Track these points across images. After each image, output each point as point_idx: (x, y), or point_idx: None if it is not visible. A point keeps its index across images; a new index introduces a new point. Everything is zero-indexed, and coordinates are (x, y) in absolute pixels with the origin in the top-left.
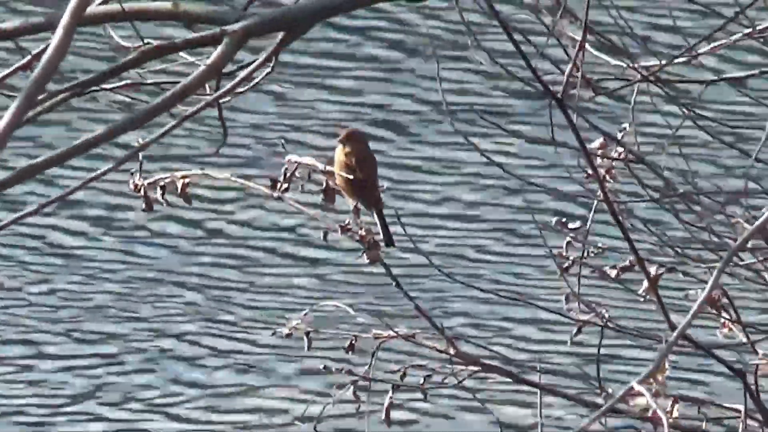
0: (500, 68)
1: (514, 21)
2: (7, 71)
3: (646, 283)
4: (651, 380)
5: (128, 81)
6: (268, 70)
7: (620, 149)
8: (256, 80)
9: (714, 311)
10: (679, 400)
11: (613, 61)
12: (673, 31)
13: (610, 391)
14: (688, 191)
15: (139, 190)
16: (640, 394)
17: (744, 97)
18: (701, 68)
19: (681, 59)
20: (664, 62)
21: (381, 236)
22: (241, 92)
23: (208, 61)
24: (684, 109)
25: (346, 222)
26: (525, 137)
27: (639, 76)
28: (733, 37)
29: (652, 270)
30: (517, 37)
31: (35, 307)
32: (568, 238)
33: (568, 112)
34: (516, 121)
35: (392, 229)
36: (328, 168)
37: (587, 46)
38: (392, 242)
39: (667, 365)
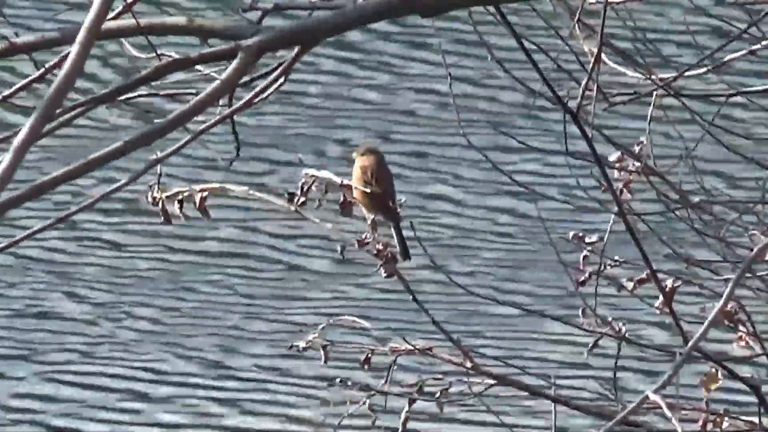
0: (516, 81)
1: (528, 34)
2: (20, 83)
3: (661, 297)
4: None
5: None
6: (281, 81)
7: (637, 163)
8: (268, 92)
9: (730, 324)
10: (708, 414)
11: (631, 73)
12: (689, 46)
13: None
14: (702, 201)
15: (157, 204)
16: (657, 407)
17: (758, 110)
18: (720, 83)
19: (695, 71)
20: (677, 74)
21: (398, 250)
22: (254, 103)
23: (223, 76)
24: (705, 123)
25: (364, 236)
26: (541, 150)
27: (655, 88)
28: (749, 50)
29: (668, 283)
30: (534, 49)
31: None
32: (584, 252)
33: (583, 125)
34: (531, 135)
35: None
36: (345, 182)
37: (605, 58)
38: (409, 256)
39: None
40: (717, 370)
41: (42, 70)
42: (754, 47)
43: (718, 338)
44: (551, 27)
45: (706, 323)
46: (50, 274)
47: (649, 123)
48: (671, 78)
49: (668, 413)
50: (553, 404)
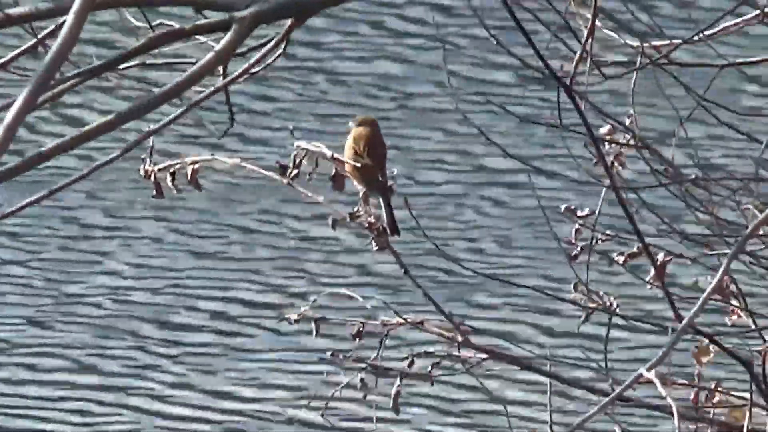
0: (510, 54)
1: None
2: (14, 53)
3: (653, 271)
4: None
5: (138, 63)
6: (279, 52)
7: (628, 135)
8: (268, 62)
9: (722, 299)
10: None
11: (626, 41)
12: (684, 13)
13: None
14: (696, 178)
15: (150, 177)
16: (649, 381)
17: (752, 84)
18: (715, 56)
19: (688, 42)
20: (672, 45)
21: (387, 224)
22: (252, 73)
23: (217, 47)
24: (696, 95)
25: (355, 209)
26: (532, 121)
27: (647, 60)
28: (743, 18)
29: (660, 257)
30: (531, 23)
31: (44, 297)
32: (576, 226)
33: (576, 98)
34: (524, 106)
35: (401, 215)
36: (337, 155)
37: (600, 25)
38: (398, 231)
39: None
40: (709, 343)
41: (35, 40)
42: (742, 19)
43: (709, 311)
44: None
45: (701, 299)
46: None
47: (633, 92)
48: (664, 51)
49: (662, 391)
50: (547, 379)
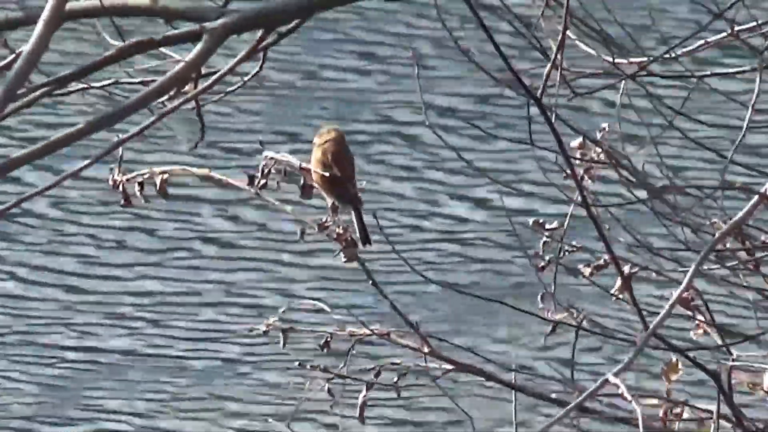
0: (481, 69)
1: (500, 16)
2: None
3: (619, 282)
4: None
5: (113, 79)
6: (257, 70)
7: (598, 149)
8: (246, 79)
9: (687, 312)
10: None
11: (599, 55)
12: (655, 31)
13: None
14: (666, 186)
15: (118, 186)
16: (613, 393)
17: (720, 98)
18: (686, 71)
19: (661, 58)
20: (644, 62)
21: (358, 234)
22: (230, 91)
23: (187, 58)
24: (667, 111)
25: (324, 220)
26: (502, 137)
27: (620, 75)
28: (715, 38)
29: (626, 269)
30: (504, 35)
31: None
32: (544, 239)
33: (546, 111)
34: (498, 122)
35: (369, 227)
36: (305, 165)
37: (576, 41)
38: (369, 241)
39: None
40: (677, 360)
41: (11, 57)
42: (715, 38)
43: (679, 326)
44: (515, 16)
45: (666, 308)
46: None
47: (619, 112)
48: (636, 67)
49: (628, 396)
50: (513, 391)
